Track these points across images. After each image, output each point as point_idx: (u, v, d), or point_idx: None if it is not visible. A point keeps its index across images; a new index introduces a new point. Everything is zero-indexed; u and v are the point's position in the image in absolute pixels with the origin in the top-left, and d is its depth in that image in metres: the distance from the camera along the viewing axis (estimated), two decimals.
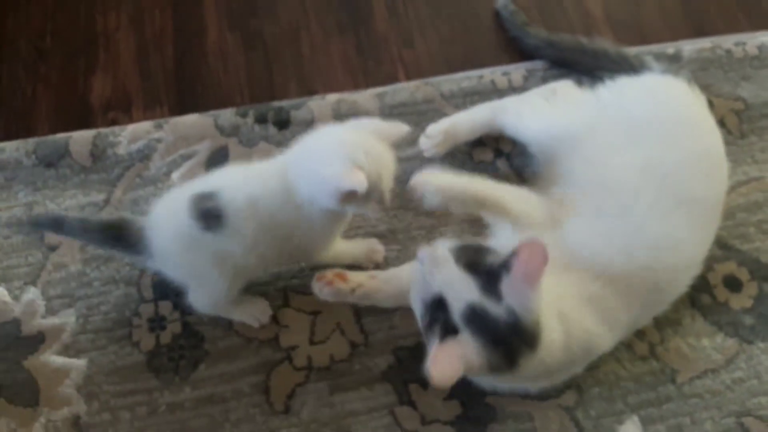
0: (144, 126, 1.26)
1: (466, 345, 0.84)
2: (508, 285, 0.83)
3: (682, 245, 1.02)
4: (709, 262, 1.15)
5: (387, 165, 0.95)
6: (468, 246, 0.91)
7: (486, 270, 0.86)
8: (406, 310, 1.08)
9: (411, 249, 1.18)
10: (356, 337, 1.11)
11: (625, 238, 0.99)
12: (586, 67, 1.30)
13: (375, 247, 1.15)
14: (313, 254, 1.08)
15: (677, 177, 1.03)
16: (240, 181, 0.98)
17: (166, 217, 0.99)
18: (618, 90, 1.15)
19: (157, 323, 1.11)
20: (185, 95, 1.33)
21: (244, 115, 1.28)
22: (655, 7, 1.48)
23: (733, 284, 1.17)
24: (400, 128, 0.97)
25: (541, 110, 1.19)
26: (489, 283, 0.84)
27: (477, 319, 0.84)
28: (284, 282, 1.14)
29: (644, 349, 1.11)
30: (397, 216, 1.20)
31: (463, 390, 1.05)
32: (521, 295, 0.83)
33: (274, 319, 1.11)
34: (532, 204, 1.05)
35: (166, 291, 1.12)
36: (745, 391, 1.08)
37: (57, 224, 1.06)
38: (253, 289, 1.10)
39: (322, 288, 1.09)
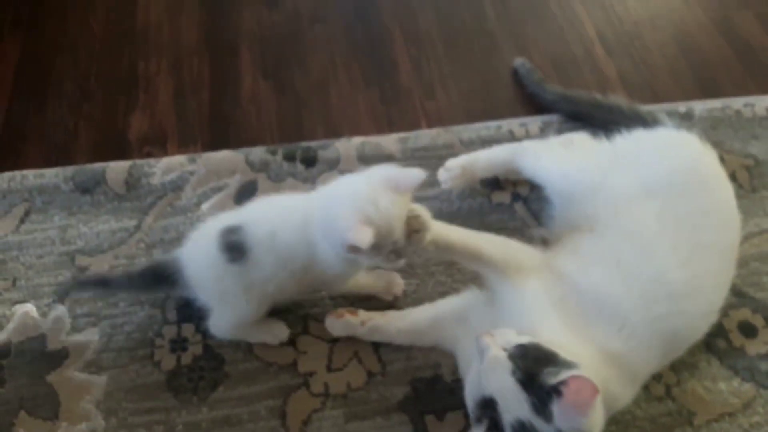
0: (178, 159, 1.33)
1: None
2: (559, 409, 0.81)
3: (700, 292, 1.03)
4: (725, 309, 1.15)
5: (399, 218, 0.95)
6: (528, 350, 0.87)
7: (540, 386, 0.83)
8: None
9: (429, 284, 1.20)
10: (374, 366, 1.12)
11: (645, 286, 1.00)
12: (600, 121, 1.35)
13: (395, 279, 1.18)
14: (333, 287, 1.12)
15: (693, 225, 1.06)
16: (264, 215, 1.05)
17: (199, 250, 1.06)
18: (633, 141, 1.19)
19: (179, 344, 1.13)
20: (218, 134, 1.40)
21: (273, 153, 1.34)
22: (666, 70, 1.56)
23: (748, 330, 1.17)
24: (416, 177, 0.95)
25: (559, 154, 1.24)
26: (541, 402, 0.82)
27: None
28: (304, 310, 1.17)
29: (660, 390, 1.11)
30: (416, 252, 1.23)
31: None
32: (572, 422, 0.81)
33: (293, 344, 1.13)
34: (515, 249, 1.06)
35: (190, 314, 1.15)
36: None
37: (104, 283, 1.13)
38: (273, 315, 1.13)
39: (333, 322, 1.12)
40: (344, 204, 0.96)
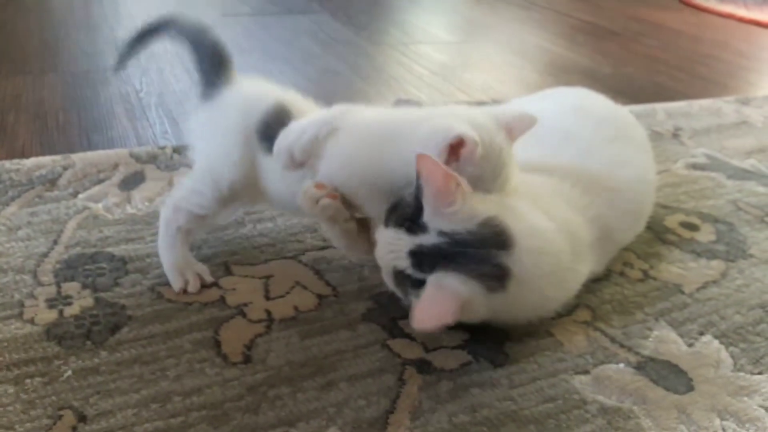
0: (49, 158, 1.14)
1: (444, 284, 0.73)
2: (428, 213, 0.74)
3: (630, 162, 1.03)
4: (660, 216, 1.16)
5: (504, 159, 0.80)
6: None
7: (408, 211, 0.76)
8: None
9: None
10: (322, 290, 0.91)
11: (575, 157, 0.99)
12: None
13: None
14: None
15: (605, 121, 1.09)
16: None
17: None
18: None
19: (59, 301, 0.84)
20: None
21: (162, 148, 1.20)
22: None
23: (690, 226, 1.15)
24: (531, 121, 0.83)
25: None
26: (414, 222, 0.75)
27: (425, 258, 0.74)
28: (224, 258, 0.96)
29: (638, 274, 1.01)
30: None
31: None
32: (443, 215, 0.73)
33: (216, 285, 0.90)
34: None
35: (73, 274, 0.89)
36: (755, 291, 0.99)
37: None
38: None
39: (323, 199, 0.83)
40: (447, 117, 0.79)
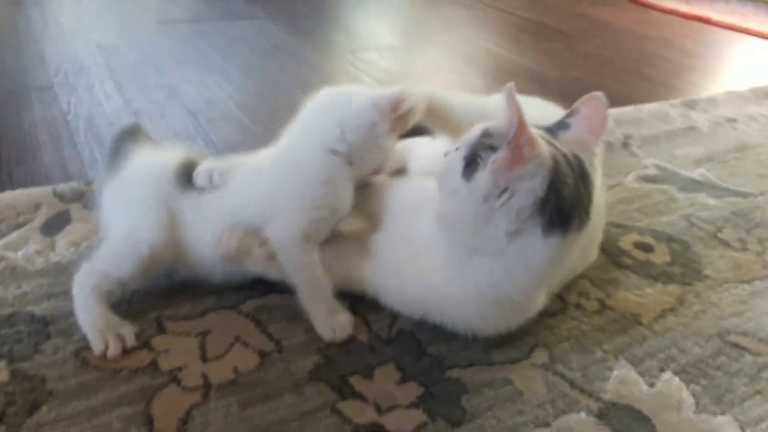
0: None
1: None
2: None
3: None
4: (614, 237, 1.13)
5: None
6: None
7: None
8: None
9: None
10: (265, 345, 0.84)
11: None
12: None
13: None
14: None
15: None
16: None
17: None
18: None
19: None
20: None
21: (89, 184, 1.11)
22: None
23: (644, 247, 1.13)
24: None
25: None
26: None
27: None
28: (157, 311, 0.88)
29: (594, 305, 0.98)
30: None
31: (418, 369, 0.82)
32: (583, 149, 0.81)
33: (147, 346, 0.82)
34: None
35: None
36: (712, 317, 0.97)
37: None
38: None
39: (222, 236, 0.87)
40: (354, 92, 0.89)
